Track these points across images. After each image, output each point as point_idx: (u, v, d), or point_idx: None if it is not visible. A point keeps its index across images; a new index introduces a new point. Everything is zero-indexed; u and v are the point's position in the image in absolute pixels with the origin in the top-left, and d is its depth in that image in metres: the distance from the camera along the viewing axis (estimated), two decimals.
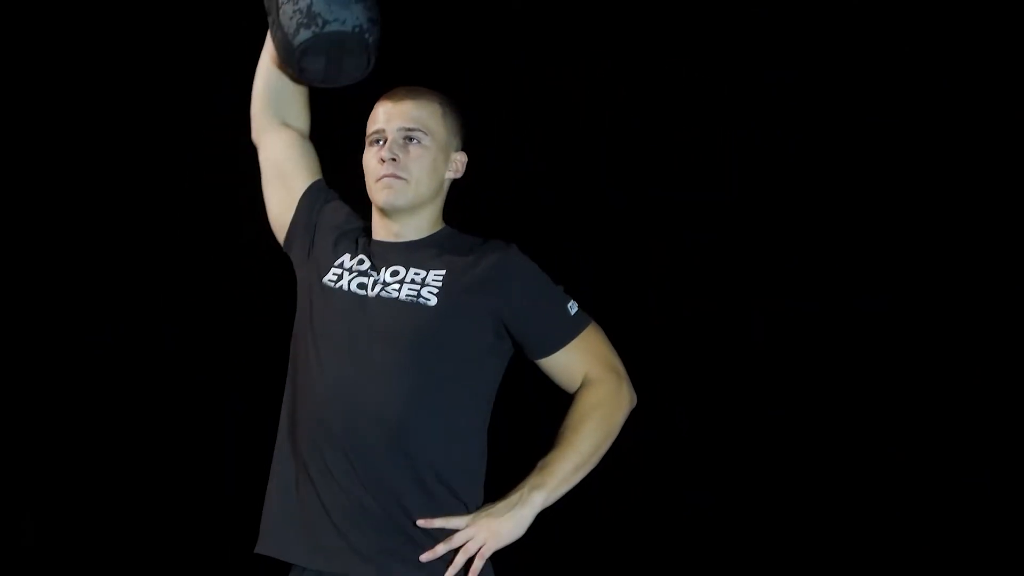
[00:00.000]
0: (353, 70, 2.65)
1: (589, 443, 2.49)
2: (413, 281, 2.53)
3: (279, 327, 2.82)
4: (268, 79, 2.76)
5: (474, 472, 2.53)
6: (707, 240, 4.02)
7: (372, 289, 2.54)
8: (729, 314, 4.01)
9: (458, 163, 2.66)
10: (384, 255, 2.59)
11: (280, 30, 2.62)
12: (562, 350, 2.55)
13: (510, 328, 2.54)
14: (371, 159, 2.60)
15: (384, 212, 2.61)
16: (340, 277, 2.58)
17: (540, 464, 2.48)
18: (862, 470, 3.93)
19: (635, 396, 2.57)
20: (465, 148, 2.67)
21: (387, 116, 2.60)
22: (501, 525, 2.44)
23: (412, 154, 2.58)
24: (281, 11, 2.61)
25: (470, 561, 2.44)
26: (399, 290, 2.52)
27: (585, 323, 2.57)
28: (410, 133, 2.58)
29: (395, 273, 2.55)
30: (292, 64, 2.65)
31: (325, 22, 2.57)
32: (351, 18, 2.58)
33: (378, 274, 2.56)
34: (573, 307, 2.57)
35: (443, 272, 2.54)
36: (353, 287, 2.56)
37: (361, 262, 2.59)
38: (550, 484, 2.45)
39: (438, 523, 2.45)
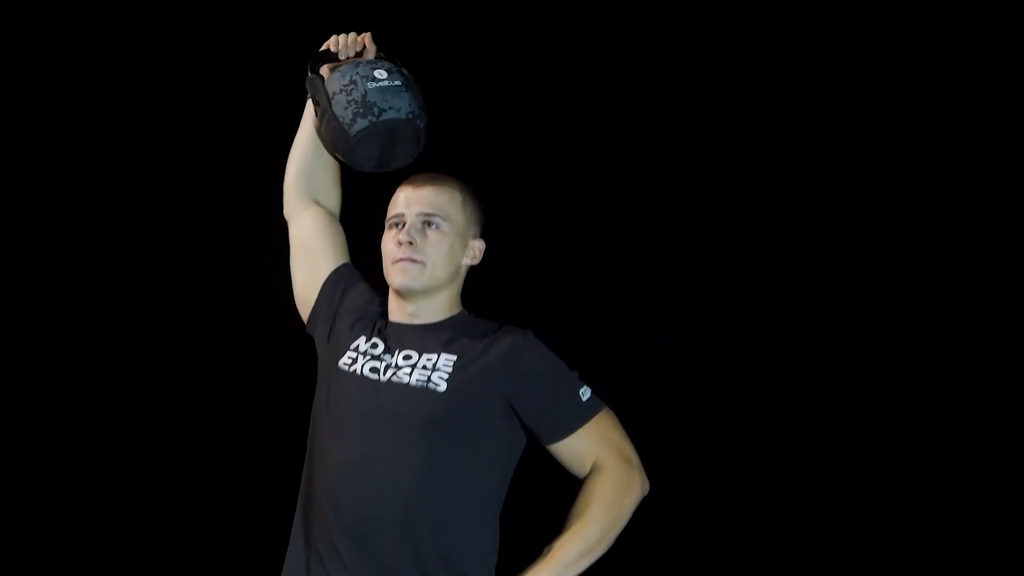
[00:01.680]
0: (404, 156, 2.74)
1: (595, 529, 2.48)
2: (424, 366, 2.56)
3: (302, 405, 2.85)
4: (304, 159, 2.83)
5: (484, 559, 2.53)
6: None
7: (384, 373, 2.57)
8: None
9: (476, 250, 2.70)
10: (399, 337, 2.62)
11: (334, 120, 2.69)
12: (572, 435, 2.55)
13: (520, 413, 2.55)
14: (389, 242, 2.64)
15: (400, 294, 2.64)
16: (355, 360, 2.61)
17: (546, 550, 2.48)
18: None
19: (647, 483, 2.56)
20: (483, 235, 2.71)
21: (407, 201, 2.65)
22: None
23: (430, 239, 2.62)
24: (334, 102, 2.68)
25: None
26: (410, 374, 2.55)
27: (597, 409, 2.57)
28: (429, 218, 2.63)
29: (408, 357, 2.58)
30: (346, 152, 2.73)
31: (381, 111, 2.66)
32: (404, 106, 2.68)
33: (391, 357, 2.59)
34: (586, 392, 2.57)
35: (455, 357, 2.56)
36: (366, 371, 2.58)
37: (375, 346, 2.62)
38: (555, 571, 2.45)
39: None
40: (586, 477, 2.54)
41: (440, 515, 2.47)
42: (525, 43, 4.21)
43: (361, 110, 2.66)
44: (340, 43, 2.81)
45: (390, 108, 2.67)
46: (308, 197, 2.81)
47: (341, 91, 2.68)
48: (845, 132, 4.04)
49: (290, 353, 2.82)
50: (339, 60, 2.77)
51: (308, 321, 2.76)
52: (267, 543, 3.22)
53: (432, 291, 2.63)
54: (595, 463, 2.54)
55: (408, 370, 2.56)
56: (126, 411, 4.38)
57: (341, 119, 2.67)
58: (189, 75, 4.27)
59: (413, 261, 2.60)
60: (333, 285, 2.74)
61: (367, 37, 2.81)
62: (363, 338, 2.65)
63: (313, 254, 2.77)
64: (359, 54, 2.79)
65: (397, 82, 2.69)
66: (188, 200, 4.35)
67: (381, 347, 2.61)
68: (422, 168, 2.72)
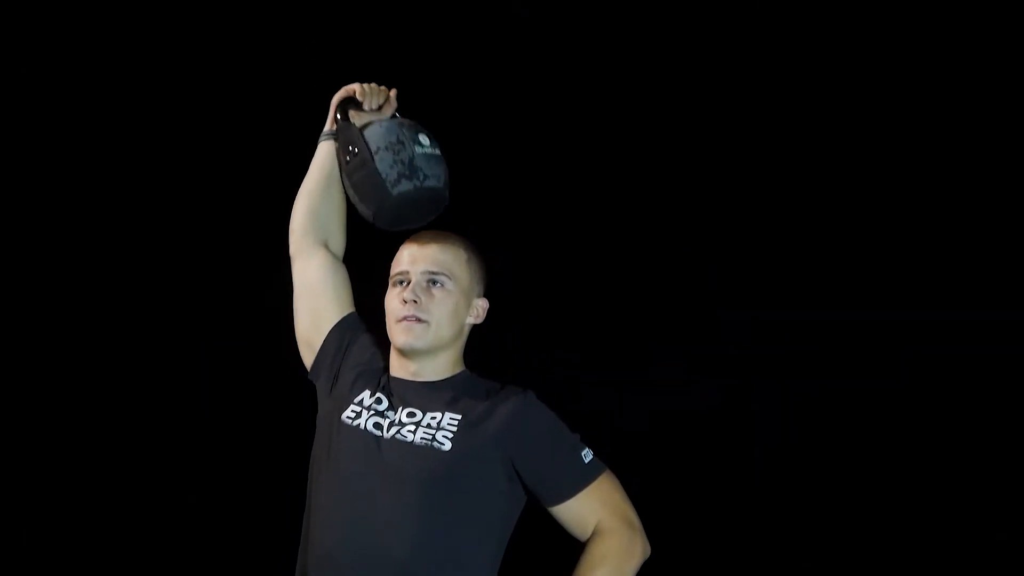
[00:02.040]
0: (419, 220, 2.75)
1: None
2: (429, 425, 2.56)
3: (303, 405, 2.87)
4: (315, 202, 2.80)
5: None
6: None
7: (388, 430, 2.57)
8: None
9: (479, 308, 2.70)
10: (401, 393, 2.63)
11: (376, 176, 2.69)
12: (574, 498, 2.55)
13: (522, 475, 2.56)
14: (393, 300, 2.64)
15: (403, 353, 2.64)
16: (358, 415, 2.61)
17: None
18: None
19: (648, 547, 2.56)
20: (487, 295, 2.71)
21: (412, 259, 2.65)
22: None
23: (435, 297, 2.62)
24: (378, 157, 2.69)
25: None
26: (414, 432, 2.55)
27: (598, 471, 2.58)
28: (434, 276, 2.63)
29: (411, 414, 2.59)
30: (377, 206, 2.72)
31: (425, 176, 2.69)
32: (443, 176, 2.73)
33: (395, 414, 2.59)
34: (588, 455, 2.58)
35: (459, 417, 2.56)
36: (370, 426, 2.59)
37: (379, 401, 2.62)
38: None
39: None
40: (588, 540, 2.55)
41: (439, 572, 2.48)
42: (525, 43, 4.18)
43: (407, 172, 2.68)
44: (367, 92, 2.79)
45: (432, 176, 2.71)
46: (318, 240, 2.79)
47: (388, 148, 2.69)
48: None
49: (291, 353, 2.81)
50: (362, 109, 2.78)
51: (311, 369, 2.75)
52: (267, 544, 3.21)
53: (436, 350, 2.64)
54: (597, 526, 2.54)
55: (412, 427, 2.57)
56: (125, 411, 4.39)
57: (384, 176, 2.68)
58: (201, 72, 4.28)
59: (418, 320, 2.60)
60: (339, 336, 2.74)
61: (393, 93, 2.82)
62: (367, 392, 2.65)
63: (320, 299, 2.76)
64: (380, 107, 2.80)
65: (438, 151, 2.74)
66: (195, 203, 4.36)
67: (385, 403, 2.62)
68: None
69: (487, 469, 2.54)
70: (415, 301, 2.60)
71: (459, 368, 2.69)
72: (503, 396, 2.61)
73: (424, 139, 2.72)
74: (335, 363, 2.72)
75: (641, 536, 2.57)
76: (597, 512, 2.55)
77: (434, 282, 2.63)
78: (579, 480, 2.56)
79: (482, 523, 2.54)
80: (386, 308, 2.67)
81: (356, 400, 2.65)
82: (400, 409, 2.60)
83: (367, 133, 2.72)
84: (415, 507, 2.49)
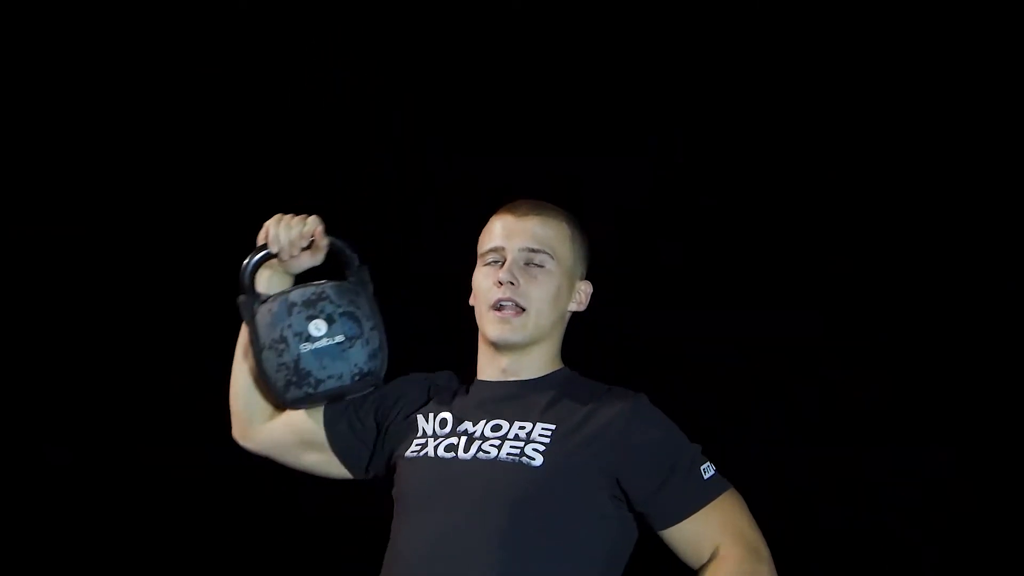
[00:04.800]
0: (359, 392, 2.30)
1: None
2: (517, 437, 2.16)
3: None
4: (249, 396, 2.35)
5: None
6: None
7: (465, 450, 2.18)
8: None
9: (583, 293, 2.30)
10: (486, 402, 2.23)
11: (264, 376, 2.25)
12: (690, 519, 2.15)
13: (628, 492, 2.16)
14: (485, 280, 2.24)
15: (495, 346, 2.24)
16: (424, 446, 2.22)
17: None
18: None
19: None
20: (589, 276, 2.32)
21: (508, 233, 2.24)
22: None
23: (536, 279, 2.22)
24: (263, 357, 2.24)
25: None
26: (499, 447, 2.16)
27: (721, 489, 2.17)
28: (533, 255, 2.23)
29: (497, 428, 2.19)
30: (283, 407, 2.30)
31: (319, 381, 2.23)
32: (348, 369, 2.24)
33: (475, 427, 2.20)
34: (708, 469, 2.18)
35: (553, 426, 2.16)
36: (440, 451, 2.19)
37: (443, 423, 2.24)
38: None
39: None
40: (703, 566, 2.15)
41: None
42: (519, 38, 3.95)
43: (295, 378, 2.23)
44: (281, 239, 2.26)
45: (329, 377, 2.23)
46: (266, 418, 2.36)
47: (271, 347, 2.23)
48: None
49: None
50: (281, 259, 2.26)
51: (352, 465, 2.34)
52: (267, 544, 2.84)
53: (533, 342, 2.24)
54: (715, 552, 2.14)
55: (497, 442, 2.16)
56: (126, 411, 4.11)
57: (271, 379, 2.24)
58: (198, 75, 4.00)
59: (516, 305, 2.20)
60: (346, 435, 2.32)
61: (317, 228, 2.27)
62: (420, 418, 2.26)
63: (304, 442, 2.33)
64: (309, 246, 2.27)
65: (337, 338, 2.22)
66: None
67: (451, 420, 2.23)
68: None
69: (587, 488, 2.14)
70: (512, 283, 2.20)
71: (558, 365, 2.29)
72: (608, 400, 2.20)
73: (318, 327, 2.22)
74: (368, 444, 2.32)
75: (770, 567, 2.16)
76: (716, 536, 2.15)
77: (534, 261, 2.23)
78: (697, 498, 2.15)
79: (581, 553, 2.13)
80: (476, 289, 2.27)
81: (417, 435, 2.25)
82: (483, 422, 2.20)
83: (258, 319, 2.24)
84: (500, 533, 2.09)
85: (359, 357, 2.23)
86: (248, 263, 2.26)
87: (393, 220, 3.50)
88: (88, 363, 3.93)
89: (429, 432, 2.24)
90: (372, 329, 2.24)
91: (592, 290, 2.32)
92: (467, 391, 2.29)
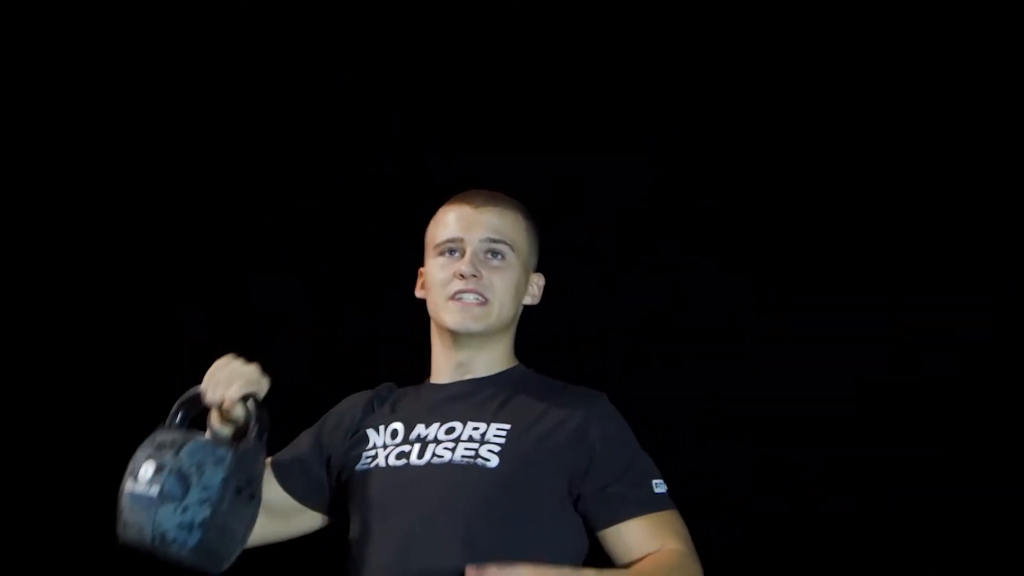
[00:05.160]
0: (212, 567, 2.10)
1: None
2: (471, 439, 2.15)
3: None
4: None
5: None
6: None
7: (419, 456, 2.15)
8: None
9: (536, 286, 2.31)
10: (437, 407, 2.21)
11: None
12: (636, 519, 2.13)
13: (578, 489, 2.14)
14: (442, 272, 2.22)
15: (453, 337, 2.23)
16: (373, 457, 2.20)
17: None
18: None
19: None
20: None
21: (466, 224, 2.23)
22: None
23: (498, 271, 2.22)
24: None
25: None
26: (453, 450, 2.14)
27: (668, 506, 2.17)
28: (494, 246, 2.22)
29: (450, 430, 2.17)
30: None
31: (124, 524, 2.08)
32: (149, 524, 2.04)
33: (427, 429, 2.18)
34: (660, 486, 2.17)
35: (508, 426, 2.15)
36: (392, 460, 2.17)
37: (394, 434, 2.21)
38: None
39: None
40: (643, 556, 2.12)
41: None
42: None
43: (117, 511, 2.10)
44: (209, 388, 2.13)
45: (133, 524, 2.06)
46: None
47: (127, 475, 2.11)
48: None
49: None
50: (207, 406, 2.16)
51: (304, 496, 2.30)
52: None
53: (491, 336, 2.23)
54: (658, 548, 2.13)
55: (451, 444, 2.15)
56: (126, 411, 4.03)
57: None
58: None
59: (479, 296, 2.19)
60: (305, 485, 2.29)
61: (228, 399, 2.11)
62: (371, 431, 2.23)
63: (279, 512, 2.29)
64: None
65: (153, 491, 2.03)
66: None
67: (402, 429, 2.20)
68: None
69: (545, 486, 2.13)
70: (475, 275, 2.19)
71: (513, 362, 2.29)
72: (566, 398, 2.20)
73: (145, 471, 2.05)
74: (319, 474, 2.28)
75: (700, 570, 2.15)
76: (657, 540, 2.12)
77: (494, 252, 2.22)
78: (644, 504, 2.14)
79: (545, 552, 2.08)
80: (431, 282, 2.25)
81: (367, 448, 2.22)
82: (436, 425, 2.18)
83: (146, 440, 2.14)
84: (460, 536, 2.07)
85: (167, 521, 2.03)
86: (180, 400, 2.17)
87: (393, 220, 3.48)
88: (88, 363, 3.92)
89: (379, 443, 2.21)
90: (200, 503, 2.03)
91: (544, 283, 2.31)
92: (418, 395, 2.26)
